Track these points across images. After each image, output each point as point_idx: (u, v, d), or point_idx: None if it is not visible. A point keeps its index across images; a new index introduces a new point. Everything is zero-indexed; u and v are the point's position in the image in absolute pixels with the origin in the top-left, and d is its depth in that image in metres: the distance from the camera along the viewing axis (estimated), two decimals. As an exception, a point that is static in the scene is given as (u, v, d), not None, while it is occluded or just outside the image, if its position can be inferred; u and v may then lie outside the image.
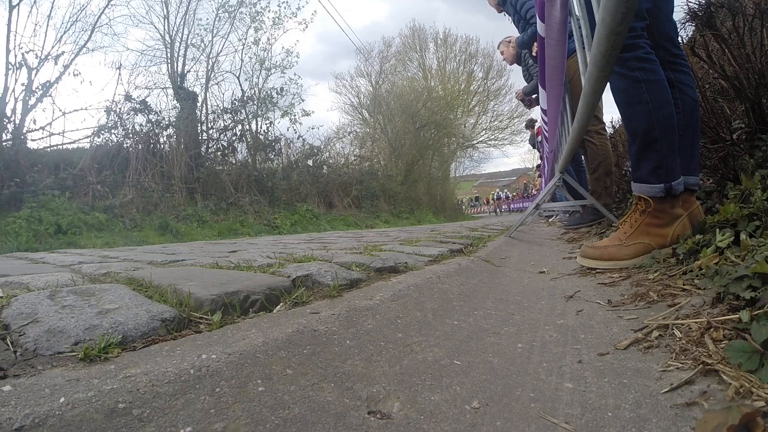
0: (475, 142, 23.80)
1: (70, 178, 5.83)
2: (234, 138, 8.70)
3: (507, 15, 4.15)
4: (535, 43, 3.49)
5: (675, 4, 1.74)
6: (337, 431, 0.58)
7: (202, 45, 8.96)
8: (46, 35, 12.30)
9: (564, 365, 0.79)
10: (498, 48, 4.90)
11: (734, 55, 1.92)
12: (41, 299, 0.87)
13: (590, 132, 3.50)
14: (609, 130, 4.64)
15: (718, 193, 1.86)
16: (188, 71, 8.88)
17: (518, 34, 4.13)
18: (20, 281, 1.17)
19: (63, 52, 6.53)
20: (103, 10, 7.44)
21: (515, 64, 4.87)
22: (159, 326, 0.79)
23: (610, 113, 7.88)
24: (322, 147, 11.04)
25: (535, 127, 8.62)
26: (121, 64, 7.61)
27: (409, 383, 0.72)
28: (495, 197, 30.93)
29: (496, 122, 24.36)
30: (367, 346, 0.83)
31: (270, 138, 9.41)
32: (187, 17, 8.83)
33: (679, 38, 1.75)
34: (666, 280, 1.21)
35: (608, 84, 1.51)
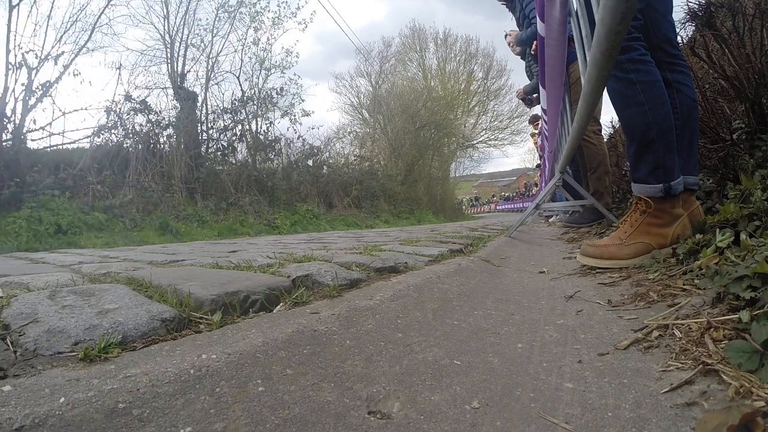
0: (475, 142, 23.83)
1: (70, 178, 5.82)
2: (234, 138, 8.69)
3: (511, 13, 4.17)
4: (534, 42, 3.50)
5: (674, 4, 1.73)
6: (337, 431, 0.58)
7: (202, 45, 8.97)
8: (46, 35, 12.27)
9: (564, 365, 0.79)
10: (505, 39, 4.79)
11: (734, 55, 1.93)
12: (41, 299, 0.87)
13: (588, 132, 3.52)
14: (609, 131, 4.68)
15: (718, 193, 1.86)
16: (188, 71, 8.87)
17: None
18: (20, 281, 1.17)
19: (63, 52, 6.52)
20: (103, 10, 7.43)
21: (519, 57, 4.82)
22: (159, 326, 0.79)
23: (611, 113, 7.90)
24: (322, 147, 11.02)
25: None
26: (121, 64, 7.58)
27: (409, 383, 0.72)
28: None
29: (496, 122, 24.42)
30: (367, 346, 0.83)
31: (270, 138, 9.39)
32: (187, 17, 8.83)
33: (679, 38, 1.74)
34: (666, 280, 1.21)
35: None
